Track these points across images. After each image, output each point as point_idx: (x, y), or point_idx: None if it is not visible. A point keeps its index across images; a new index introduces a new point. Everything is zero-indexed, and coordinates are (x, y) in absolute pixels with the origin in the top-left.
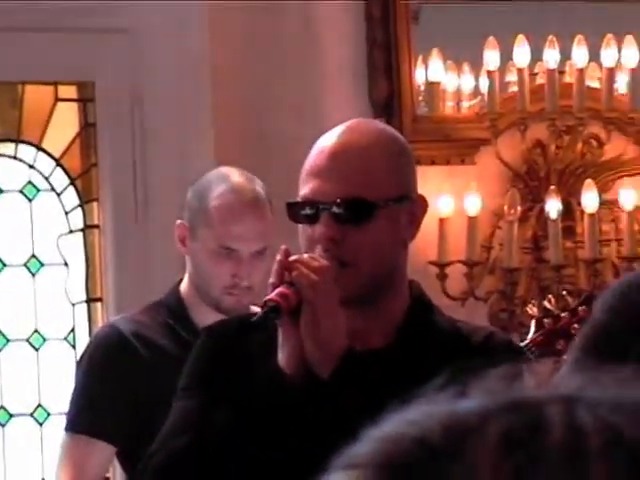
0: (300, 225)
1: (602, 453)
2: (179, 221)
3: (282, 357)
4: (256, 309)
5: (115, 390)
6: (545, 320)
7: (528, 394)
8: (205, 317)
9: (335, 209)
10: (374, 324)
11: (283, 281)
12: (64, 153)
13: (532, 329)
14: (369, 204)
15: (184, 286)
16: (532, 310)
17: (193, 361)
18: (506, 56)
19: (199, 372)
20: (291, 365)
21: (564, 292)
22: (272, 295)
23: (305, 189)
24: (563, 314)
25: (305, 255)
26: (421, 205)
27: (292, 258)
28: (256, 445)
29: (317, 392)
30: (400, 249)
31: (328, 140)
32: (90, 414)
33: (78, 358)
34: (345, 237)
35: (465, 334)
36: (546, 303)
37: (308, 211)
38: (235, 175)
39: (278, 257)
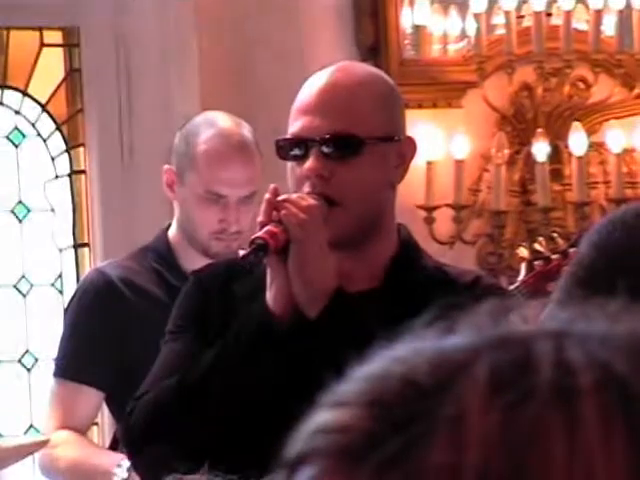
0: (289, 164)
1: (593, 390)
2: (167, 166)
3: (270, 296)
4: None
5: (103, 336)
6: (536, 262)
7: (516, 329)
8: (193, 262)
9: (324, 147)
10: (362, 267)
11: (271, 220)
12: (50, 99)
13: (523, 271)
14: (357, 139)
15: (172, 231)
16: (523, 253)
17: (181, 304)
18: None
19: (187, 315)
20: (279, 304)
21: (554, 234)
22: (260, 233)
23: (294, 127)
24: (554, 256)
25: (294, 195)
26: (410, 147)
27: (281, 197)
28: (244, 385)
29: (305, 331)
30: (388, 190)
31: (317, 79)
32: (78, 360)
33: (66, 304)
34: (333, 174)
35: (452, 277)
36: (537, 245)
37: (297, 151)
38: (223, 119)
39: (267, 196)
